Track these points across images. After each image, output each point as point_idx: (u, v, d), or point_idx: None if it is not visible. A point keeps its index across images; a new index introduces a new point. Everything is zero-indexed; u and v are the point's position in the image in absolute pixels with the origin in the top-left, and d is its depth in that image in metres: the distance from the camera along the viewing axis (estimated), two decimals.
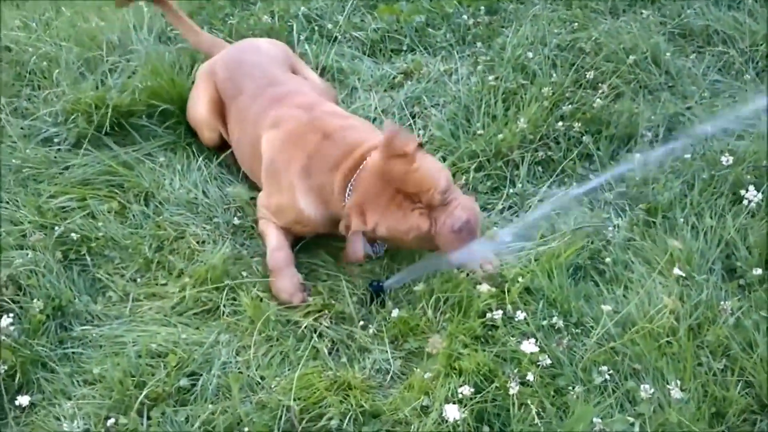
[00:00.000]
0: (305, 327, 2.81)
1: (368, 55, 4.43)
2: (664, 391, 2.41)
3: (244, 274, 3.03)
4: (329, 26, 4.56)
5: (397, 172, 2.79)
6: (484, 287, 2.70)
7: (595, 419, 2.33)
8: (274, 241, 3.12)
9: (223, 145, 3.67)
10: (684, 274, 2.69)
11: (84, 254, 3.10)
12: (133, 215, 3.32)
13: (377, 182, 2.81)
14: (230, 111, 3.58)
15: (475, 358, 2.48)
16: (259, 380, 2.61)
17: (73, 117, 3.74)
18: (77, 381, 2.64)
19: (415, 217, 2.78)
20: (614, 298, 2.77)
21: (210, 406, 2.49)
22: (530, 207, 3.24)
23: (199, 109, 3.66)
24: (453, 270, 2.87)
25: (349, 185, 2.89)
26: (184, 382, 2.59)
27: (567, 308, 2.72)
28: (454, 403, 2.36)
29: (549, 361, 2.51)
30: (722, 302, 2.61)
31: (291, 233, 3.16)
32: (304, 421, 2.44)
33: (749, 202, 2.94)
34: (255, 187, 3.42)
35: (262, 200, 3.25)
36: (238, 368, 2.66)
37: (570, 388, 2.46)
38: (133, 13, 4.61)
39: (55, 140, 3.71)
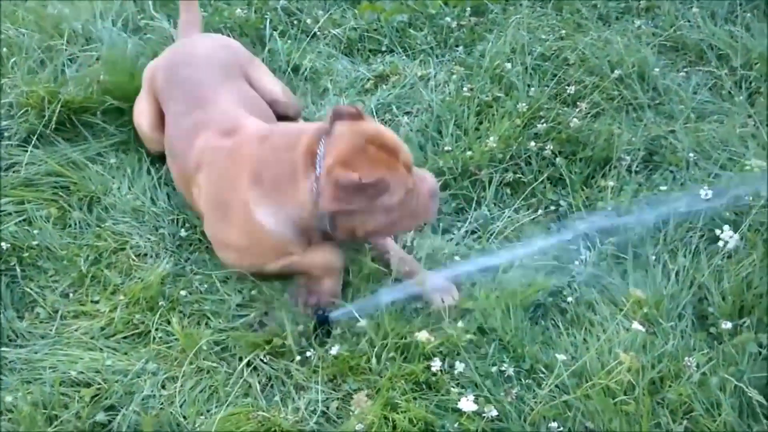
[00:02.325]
0: (239, 358, 2.60)
1: (345, 54, 4.22)
2: None
3: (183, 293, 2.83)
4: (308, 21, 4.35)
5: (371, 129, 2.71)
6: (423, 335, 2.49)
7: None
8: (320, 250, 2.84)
9: None
10: (648, 322, 2.47)
11: (14, 265, 2.91)
12: (74, 222, 3.12)
13: (357, 138, 2.65)
14: (166, 126, 3.30)
15: (411, 411, 2.28)
16: (182, 419, 2.41)
17: (24, 110, 3.54)
18: None
19: (401, 173, 2.64)
20: (573, 342, 2.57)
21: None
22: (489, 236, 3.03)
23: (142, 121, 3.41)
24: (403, 307, 2.66)
25: (318, 155, 2.65)
26: (100, 417, 2.41)
27: (520, 353, 2.52)
28: None
29: (495, 413, 2.32)
30: (687, 357, 2.39)
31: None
32: None
33: (725, 243, 2.71)
34: None
35: (217, 250, 2.97)
36: (161, 404, 2.47)
37: None
38: (102, 1, 4.40)
39: (5, 134, 3.50)
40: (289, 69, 4.03)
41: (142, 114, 3.41)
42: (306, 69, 4.04)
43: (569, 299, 2.71)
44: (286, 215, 2.74)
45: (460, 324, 2.59)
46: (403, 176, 2.64)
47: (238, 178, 2.79)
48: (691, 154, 3.23)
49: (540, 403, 2.37)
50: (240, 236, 2.83)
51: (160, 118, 3.34)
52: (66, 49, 3.97)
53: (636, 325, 2.41)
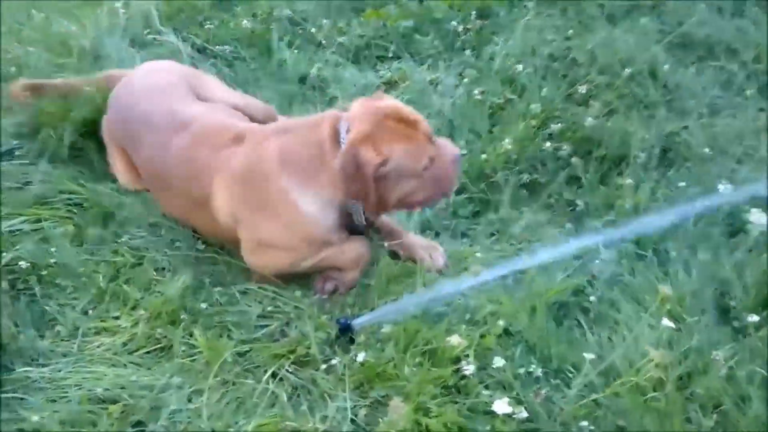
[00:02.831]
0: (264, 370, 2.59)
1: (352, 62, 4.22)
2: None
3: (203, 306, 2.82)
4: (313, 30, 4.35)
5: (389, 104, 2.79)
6: (455, 339, 2.47)
7: None
8: (352, 244, 2.92)
9: None
10: (673, 325, 2.45)
11: (33, 284, 2.89)
12: (90, 239, 3.11)
13: (375, 114, 2.73)
14: (142, 171, 3.25)
15: (443, 416, 2.26)
16: None
17: (35, 129, 3.54)
18: (13, 430, 2.43)
19: (422, 142, 2.73)
20: (598, 341, 2.55)
21: None
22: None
23: (122, 179, 3.37)
24: (426, 313, 2.65)
25: (340, 134, 2.73)
26: None
27: (547, 354, 2.51)
28: None
29: (525, 415, 2.30)
30: (714, 351, 2.38)
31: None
32: None
33: (751, 231, 2.69)
34: None
35: (256, 256, 2.93)
36: (188, 418, 2.44)
37: None
38: (107, 16, 4.41)
39: (17, 153, 3.50)
40: (297, 78, 4.03)
41: (117, 169, 3.38)
42: (314, 78, 4.04)
43: (592, 298, 2.69)
44: (324, 197, 2.79)
45: (485, 326, 2.57)
46: (423, 144, 2.73)
47: (271, 173, 2.81)
48: (706, 149, 3.22)
49: (569, 403, 2.35)
50: (285, 229, 2.83)
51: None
52: (77, 68, 3.96)
53: (666, 322, 2.39)
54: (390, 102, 2.82)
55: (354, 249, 2.90)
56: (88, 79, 3.71)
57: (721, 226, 2.85)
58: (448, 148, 2.83)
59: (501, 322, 2.57)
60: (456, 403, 2.37)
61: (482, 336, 2.54)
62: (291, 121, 3.04)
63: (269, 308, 2.85)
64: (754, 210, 2.79)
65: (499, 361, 2.43)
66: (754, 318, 2.49)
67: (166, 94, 3.26)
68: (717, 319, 2.59)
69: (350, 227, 2.91)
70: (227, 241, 3.02)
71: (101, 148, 3.51)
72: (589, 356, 2.42)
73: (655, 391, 2.32)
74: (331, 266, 2.90)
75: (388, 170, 2.68)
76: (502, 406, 2.26)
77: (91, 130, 3.54)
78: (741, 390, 2.31)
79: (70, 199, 3.29)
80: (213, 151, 2.95)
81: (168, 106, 3.18)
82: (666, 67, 3.70)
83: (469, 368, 2.40)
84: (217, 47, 4.32)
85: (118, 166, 3.36)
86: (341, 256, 2.88)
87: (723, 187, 2.90)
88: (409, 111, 2.78)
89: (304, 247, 2.88)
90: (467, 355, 2.48)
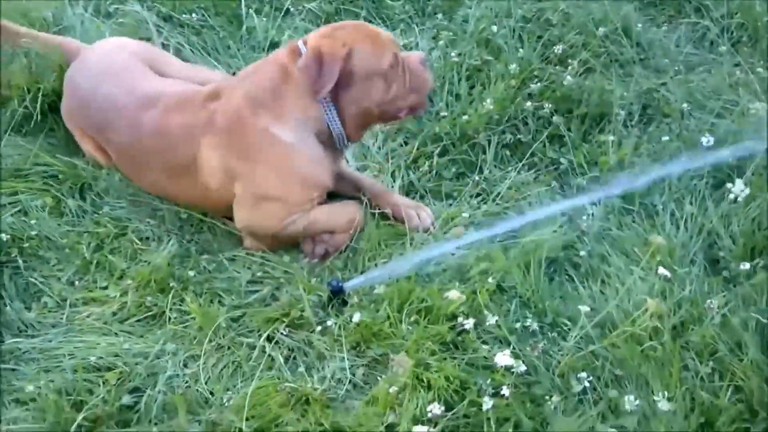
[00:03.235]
0: (259, 334, 2.57)
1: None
2: (649, 399, 2.22)
3: (192, 274, 2.79)
4: None
5: (349, 24, 2.97)
6: (454, 294, 2.47)
7: None
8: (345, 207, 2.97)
9: None
10: (668, 273, 2.48)
11: (15, 256, 2.84)
12: (70, 210, 3.05)
13: (333, 26, 2.88)
14: (114, 154, 3.18)
15: (444, 370, 2.27)
16: (209, 395, 2.38)
17: (3, 102, 3.45)
18: (8, 401, 2.38)
19: (386, 39, 2.81)
20: (591, 294, 2.58)
21: (155, 428, 2.25)
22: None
23: (95, 160, 3.26)
24: (418, 274, 2.65)
25: (302, 47, 2.78)
26: (126, 399, 2.35)
27: (541, 308, 2.53)
28: (423, 423, 2.15)
29: (524, 368, 2.31)
30: (708, 300, 2.42)
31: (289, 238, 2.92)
32: None
33: (735, 196, 2.73)
34: None
35: (250, 212, 2.89)
36: (186, 382, 2.42)
37: (547, 397, 2.26)
38: None
39: None
40: (267, 46, 3.98)
41: (89, 150, 3.28)
42: (284, 44, 3.98)
43: (582, 253, 2.71)
44: (301, 125, 2.80)
45: (478, 283, 2.57)
46: (386, 43, 2.79)
47: (247, 117, 2.80)
48: (685, 105, 3.26)
49: (567, 355, 2.37)
50: (276, 171, 2.82)
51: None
52: None
53: (662, 270, 2.42)
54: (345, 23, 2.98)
55: (347, 211, 2.90)
56: (49, 38, 3.67)
57: (706, 179, 2.88)
58: (413, 53, 2.93)
59: (492, 279, 2.58)
60: (455, 358, 2.37)
61: (475, 293, 2.54)
62: (254, 63, 3.02)
63: (258, 274, 2.83)
64: (738, 181, 2.81)
65: (493, 317, 2.44)
66: (745, 266, 2.53)
67: (126, 73, 3.21)
68: (707, 270, 2.63)
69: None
70: (213, 208, 2.99)
71: None
72: (584, 309, 2.44)
73: (651, 340, 2.35)
74: (323, 230, 2.88)
75: (354, 66, 2.71)
76: (503, 358, 2.27)
77: (59, 101, 3.46)
78: (736, 336, 2.35)
79: (45, 171, 3.21)
80: (191, 115, 2.92)
81: (130, 85, 3.13)
82: (639, 26, 3.72)
83: (468, 323, 2.40)
84: (184, 16, 4.23)
85: (88, 149, 3.28)
86: (333, 218, 2.87)
87: (706, 140, 2.93)
88: (366, 25, 2.93)
89: (298, 190, 2.84)
90: (463, 312, 2.49)
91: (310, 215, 2.86)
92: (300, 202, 2.86)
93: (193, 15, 4.23)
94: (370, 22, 4.11)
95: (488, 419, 2.17)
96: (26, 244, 2.88)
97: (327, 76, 2.68)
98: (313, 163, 2.84)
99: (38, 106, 3.40)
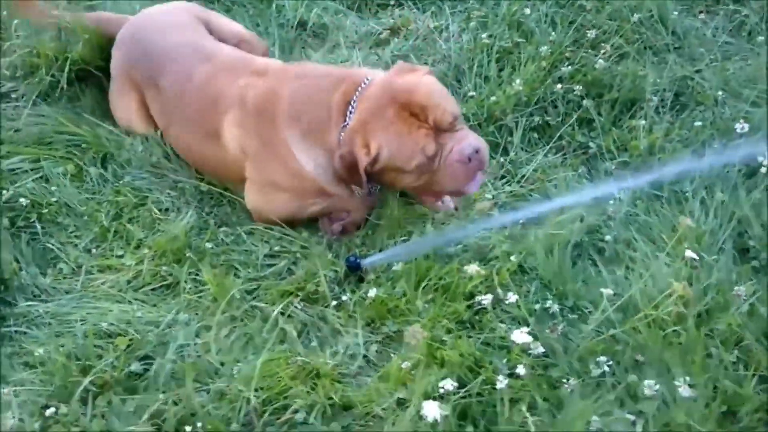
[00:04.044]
0: (273, 306, 2.53)
1: (353, 10, 4.13)
2: (670, 386, 2.14)
3: (209, 245, 2.76)
4: None
5: (406, 84, 2.61)
6: (473, 268, 2.41)
7: (593, 418, 2.07)
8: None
9: None
10: (695, 256, 2.40)
11: (34, 221, 2.83)
12: (91, 179, 3.05)
13: (383, 96, 2.60)
14: (157, 104, 3.18)
15: (459, 347, 2.21)
16: (219, 366, 2.34)
17: (31, 71, 3.44)
18: (17, 364, 2.37)
19: (421, 136, 2.55)
20: (614, 279, 2.50)
21: (161, 395, 2.21)
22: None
23: (131, 116, 3.26)
24: (437, 253, 2.60)
25: (351, 105, 2.64)
26: (135, 366, 2.32)
27: (562, 291, 2.46)
28: (434, 398, 2.09)
29: (542, 350, 2.25)
30: (735, 287, 2.34)
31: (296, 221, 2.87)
32: (266, 414, 2.18)
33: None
34: None
35: (261, 196, 2.89)
36: (197, 352, 2.39)
37: (564, 380, 2.20)
38: None
39: (12, 96, 3.41)
40: (296, 24, 3.95)
41: (129, 109, 3.27)
42: (313, 24, 3.95)
43: (607, 237, 2.64)
44: (323, 159, 2.72)
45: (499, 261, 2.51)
46: (421, 139, 2.55)
47: (277, 117, 2.76)
48: (720, 93, 3.17)
49: (586, 338, 2.30)
50: (284, 175, 2.78)
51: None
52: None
53: (689, 253, 2.34)
54: (410, 81, 2.64)
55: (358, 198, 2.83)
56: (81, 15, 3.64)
57: (738, 167, 2.79)
58: (464, 143, 2.59)
59: (514, 259, 2.52)
60: (471, 337, 2.32)
61: (496, 272, 2.48)
62: (313, 67, 2.95)
63: (276, 248, 2.80)
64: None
65: (513, 297, 2.37)
66: None
67: (187, 29, 3.26)
68: (736, 258, 2.55)
69: None
70: (232, 180, 2.96)
71: (98, 88, 3.44)
72: (606, 292, 2.37)
73: (674, 326, 2.27)
74: (339, 209, 2.84)
75: (381, 163, 2.59)
76: (520, 336, 2.21)
77: (86, 71, 3.45)
78: (763, 325, 2.27)
79: (69, 140, 3.21)
80: (234, 80, 2.91)
81: (191, 38, 3.19)
82: (675, 13, 3.63)
83: (486, 299, 2.35)
84: None
85: (128, 108, 3.27)
86: (345, 206, 2.83)
87: (740, 126, 2.84)
88: (424, 96, 2.58)
89: (307, 195, 2.82)
90: (480, 291, 2.43)
91: (321, 206, 2.84)
92: (309, 202, 2.84)
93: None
94: (401, 5, 4.09)
95: (501, 399, 2.11)
96: (45, 210, 2.87)
97: (357, 178, 2.62)
98: (326, 183, 2.79)
99: (65, 75, 3.39)
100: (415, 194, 2.83)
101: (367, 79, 2.69)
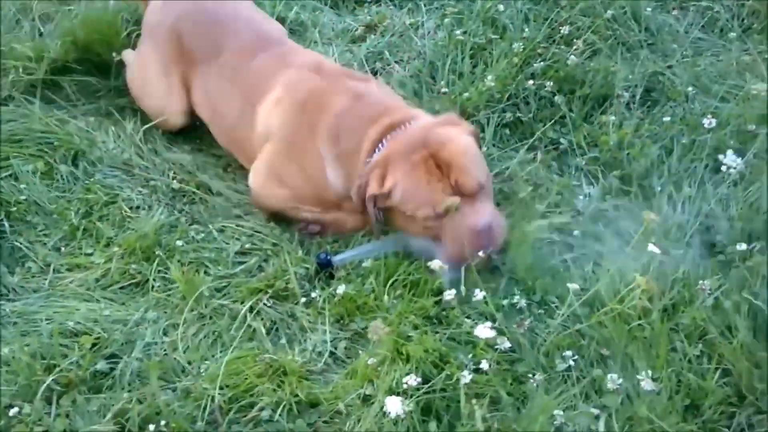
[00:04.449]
0: (242, 303, 2.53)
1: (330, 7, 4.12)
2: (633, 380, 2.15)
3: (180, 243, 2.75)
4: None
5: (440, 136, 2.54)
6: (436, 264, 2.41)
7: (556, 412, 2.08)
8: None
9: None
10: (660, 251, 2.41)
11: (2, 220, 2.82)
12: (62, 177, 3.03)
13: (414, 140, 2.54)
14: (202, 75, 3.15)
15: (424, 343, 2.21)
16: (186, 364, 2.34)
17: (6, 69, 3.43)
18: None
19: (437, 191, 2.48)
20: (582, 275, 2.51)
21: (126, 394, 2.20)
22: None
23: (168, 85, 3.22)
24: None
25: (381, 143, 2.61)
26: (101, 365, 2.31)
27: (530, 286, 2.47)
28: (398, 394, 2.09)
29: (508, 345, 2.25)
30: (701, 281, 2.35)
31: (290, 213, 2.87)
32: (231, 412, 2.18)
33: (728, 168, 2.65)
34: (199, 152, 3.17)
35: (264, 183, 2.87)
36: (164, 350, 2.39)
37: (530, 375, 2.21)
38: None
39: None
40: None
41: (162, 72, 3.23)
42: (291, 21, 3.95)
43: (575, 233, 2.65)
44: (350, 183, 2.68)
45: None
46: (437, 192, 2.49)
47: (317, 127, 2.75)
48: (690, 88, 3.18)
49: (553, 333, 2.32)
50: (304, 180, 2.79)
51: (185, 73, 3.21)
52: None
53: (652, 247, 2.35)
54: (447, 134, 2.57)
55: (353, 221, 2.81)
56: None
57: (706, 161, 2.80)
58: (478, 215, 2.49)
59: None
60: (437, 332, 2.32)
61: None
62: (370, 92, 2.82)
63: (247, 245, 2.80)
64: (729, 152, 2.73)
65: (480, 293, 2.38)
66: (741, 247, 2.45)
67: (257, 13, 3.34)
68: (703, 253, 2.56)
69: None
70: (250, 160, 2.97)
71: (74, 86, 3.43)
72: (573, 287, 2.37)
73: (639, 320, 2.28)
74: (327, 224, 2.84)
75: (392, 200, 2.55)
76: (484, 331, 2.21)
77: (62, 69, 3.44)
78: (727, 319, 2.28)
79: (40, 138, 3.18)
80: (286, 66, 2.94)
81: (259, 22, 3.25)
82: (648, 9, 3.64)
83: (450, 294, 2.34)
84: None
85: (171, 78, 3.22)
86: (338, 223, 2.83)
87: (707, 121, 2.86)
88: (454, 153, 2.51)
89: (314, 202, 2.82)
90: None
91: (316, 214, 2.83)
92: (311, 205, 2.83)
93: None
94: (378, 2, 4.08)
95: (466, 394, 2.11)
96: (14, 209, 2.86)
97: (369, 211, 2.60)
98: (342, 197, 2.77)
99: (41, 73, 3.37)
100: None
101: (410, 123, 2.64)
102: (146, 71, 3.29)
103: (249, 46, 3.07)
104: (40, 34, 3.65)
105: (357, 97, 2.76)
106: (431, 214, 2.50)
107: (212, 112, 3.14)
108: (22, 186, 2.93)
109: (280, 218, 2.90)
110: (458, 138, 2.57)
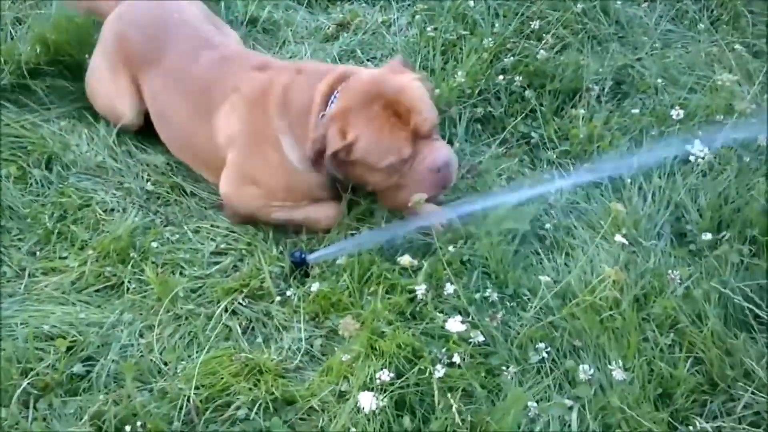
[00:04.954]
0: (218, 303, 2.54)
1: (303, 6, 4.12)
2: (606, 370, 2.18)
3: (154, 245, 2.75)
4: None
5: (395, 84, 2.58)
6: (405, 259, 2.43)
7: (530, 404, 2.10)
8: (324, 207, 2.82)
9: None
10: (628, 242, 2.44)
11: None
12: (35, 181, 3.02)
13: (369, 90, 2.56)
14: (150, 80, 3.15)
15: (397, 338, 2.23)
16: (162, 365, 2.35)
17: None
18: None
19: (400, 137, 2.52)
20: (555, 267, 2.55)
21: (102, 396, 2.21)
22: None
23: (116, 85, 3.21)
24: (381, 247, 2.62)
25: (333, 96, 2.62)
26: (77, 368, 2.32)
27: (503, 279, 2.49)
28: (372, 390, 2.11)
29: (481, 338, 2.28)
30: (671, 270, 2.38)
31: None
32: (208, 411, 2.19)
33: (696, 159, 2.67)
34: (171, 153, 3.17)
35: (234, 186, 2.86)
36: (140, 352, 2.39)
37: (503, 368, 2.24)
38: None
39: None
40: (246, 21, 3.94)
41: (116, 88, 3.21)
42: (263, 20, 3.95)
43: (547, 226, 2.68)
44: (302, 149, 2.69)
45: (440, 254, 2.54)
46: (399, 141, 2.53)
47: (270, 107, 2.75)
48: (659, 80, 3.22)
49: (526, 325, 2.34)
50: (269, 169, 2.78)
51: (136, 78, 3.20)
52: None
53: (618, 238, 2.38)
54: (398, 82, 2.60)
55: (326, 214, 2.81)
56: None
57: (674, 153, 2.83)
58: (437, 153, 2.58)
59: (453, 249, 2.54)
60: (410, 328, 2.34)
61: (440, 262, 2.50)
62: (315, 64, 2.94)
63: (222, 246, 2.80)
64: (696, 141, 2.76)
65: (452, 287, 2.40)
66: (708, 236, 2.49)
67: (196, 17, 3.27)
68: (673, 243, 2.59)
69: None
70: (213, 169, 2.96)
71: (46, 89, 3.41)
72: (544, 279, 2.41)
73: (611, 310, 2.31)
74: (300, 224, 2.83)
75: (354, 155, 2.56)
76: (455, 325, 2.23)
77: (34, 72, 3.42)
78: (697, 308, 2.31)
79: (13, 142, 3.17)
80: (236, 70, 2.92)
81: (199, 26, 3.20)
82: (618, 3, 3.67)
83: (420, 289, 2.36)
84: None
85: (119, 83, 3.21)
86: (311, 217, 2.81)
87: (675, 113, 2.89)
88: (409, 99, 2.55)
89: (283, 194, 2.80)
90: (421, 281, 2.45)
91: (288, 211, 2.82)
92: (282, 199, 2.82)
93: None
94: (350, 0, 4.09)
95: (440, 388, 2.13)
96: None
97: (324, 162, 2.59)
98: (306, 180, 2.76)
99: (11, 77, 3.36)
100: (380, 199, 2.78)
101: (355, 75, 2.68)
102: (97, 73, 3.31)
103: (191, 52, 3.05)
104: (12, 38, 3.63)
105: (299, 70, 2.80)
106: (396, 162, 2.54)
107: (159, 116, 3.15)
108: None
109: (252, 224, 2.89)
110: (411, 84, 2.62)
